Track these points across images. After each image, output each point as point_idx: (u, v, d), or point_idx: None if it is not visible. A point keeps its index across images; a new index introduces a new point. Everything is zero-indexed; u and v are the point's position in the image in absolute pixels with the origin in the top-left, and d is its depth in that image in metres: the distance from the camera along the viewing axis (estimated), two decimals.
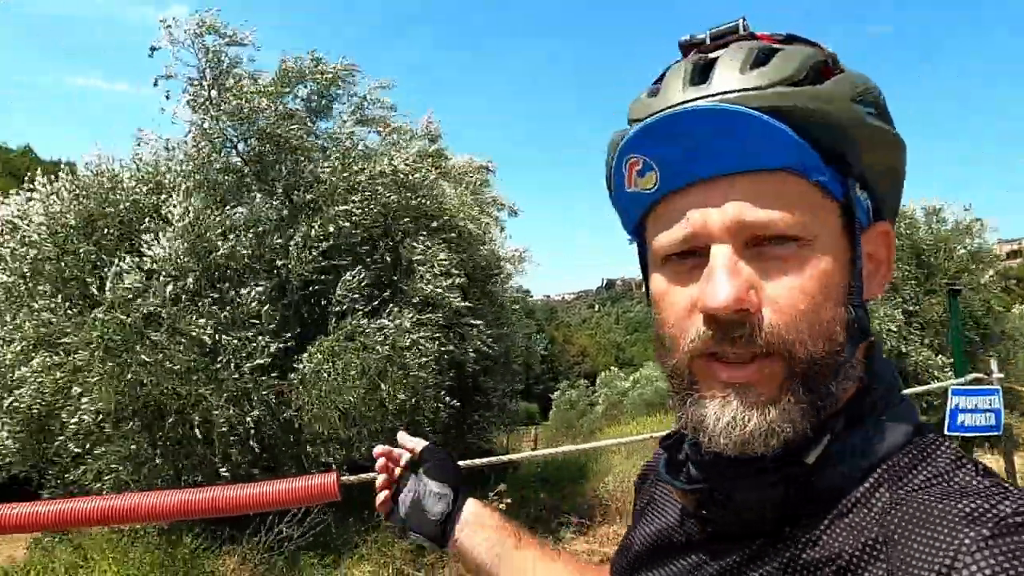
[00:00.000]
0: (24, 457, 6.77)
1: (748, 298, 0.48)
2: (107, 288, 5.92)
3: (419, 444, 0.94)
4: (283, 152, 7.20)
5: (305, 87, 7.72)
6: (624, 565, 0.65)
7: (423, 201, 7.66)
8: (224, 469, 5.99)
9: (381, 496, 0.92)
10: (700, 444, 0.53)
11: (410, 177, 7.59)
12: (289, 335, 6.56)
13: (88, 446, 6.33)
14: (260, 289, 6.44)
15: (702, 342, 0.50)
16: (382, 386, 6.33)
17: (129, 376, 5.87)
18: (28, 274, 6.74)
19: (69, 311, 6.33)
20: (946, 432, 4.48)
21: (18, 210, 6.97)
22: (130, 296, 5.86)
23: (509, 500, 6.48)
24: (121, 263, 6.09)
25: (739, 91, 0.50)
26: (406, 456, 0.93)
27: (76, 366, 6.11)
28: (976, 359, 9.51)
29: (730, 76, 0.51)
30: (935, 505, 0.45)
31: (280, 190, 7.07)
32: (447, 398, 7.04)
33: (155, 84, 6.98)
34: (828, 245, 0.51)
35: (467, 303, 7.48)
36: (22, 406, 6.40)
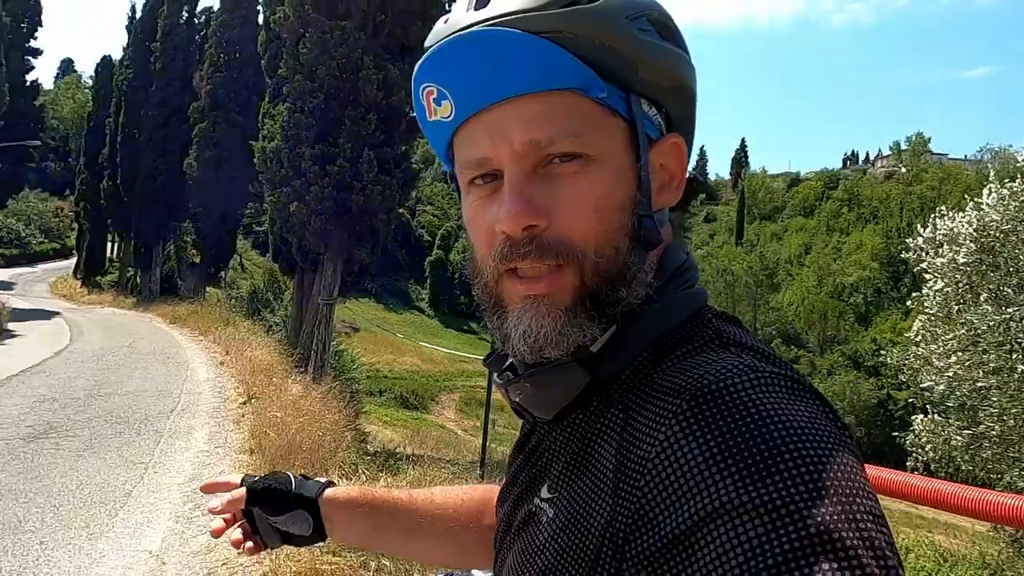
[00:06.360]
0: None
1: (535, 218, 0.51)
2: None
3: (239, 489, 0.84)
4: None
5: None
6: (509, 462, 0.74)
7: None
8: None
9: (247, 545, 0.83)
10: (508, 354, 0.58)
11: None
12: None
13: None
14: None
15: (503, 260, 0.53)
16: None
17: None
18: (964, 283, 6.96)
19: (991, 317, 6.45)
20: None
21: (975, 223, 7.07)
22: None
23: None
24: None
25: (511, 14, 0.51)
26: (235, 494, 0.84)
27: (994, 367, 6.24)
28: None
29: None
30: (660, 381, 0.49)
31: None
32: None
33: None
34: (613, 160, 0.53)
35: None
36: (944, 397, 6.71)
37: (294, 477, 0.85)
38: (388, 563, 3.55)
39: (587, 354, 0.53)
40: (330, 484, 0.87)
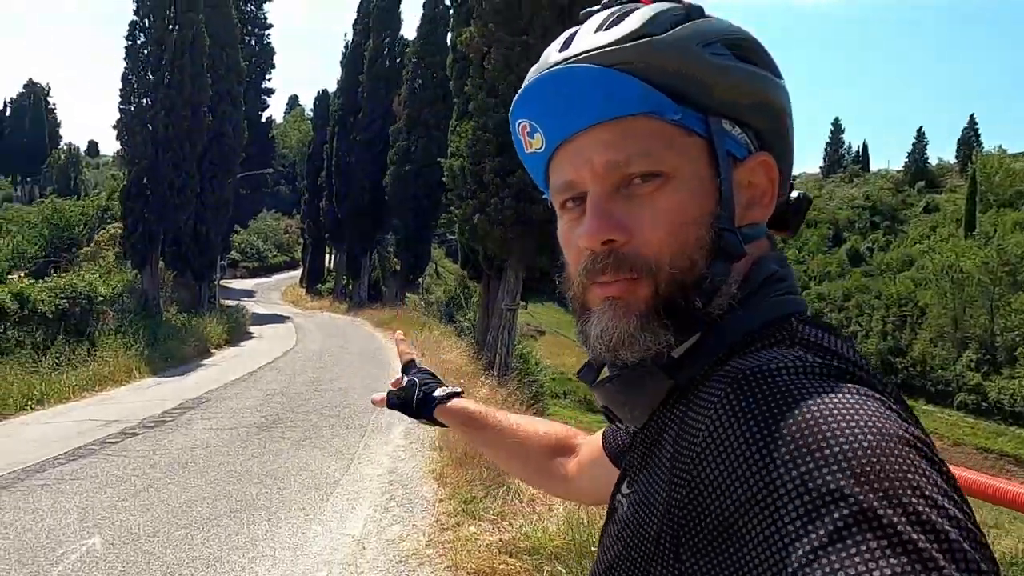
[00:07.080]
0: None
1: (613, 234, 0.55)
2: None
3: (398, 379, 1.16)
4: None
5: None
6: (618, 444, 0.84)
7: None
8: None
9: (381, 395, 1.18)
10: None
11: None
12: None
13: None
14: None
15: (587, 275, 0.58)
16: None
17: None
18: None
19: None
20: None
21: None
22: None
23: None
24: None
25: (586, 52, 0.57)
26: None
27: None
28: None
29: (584, 39, 0.58)
30: (719, 369, 0.51)
31: None
32: None
33: None
34: (691, 177, 0.56)
35: None
36: None
37: (423, 387, 1.10)
38: (562, 568, 3.62)
39: (669, 360, 0.56)
40: (455, 395, 1.10)
